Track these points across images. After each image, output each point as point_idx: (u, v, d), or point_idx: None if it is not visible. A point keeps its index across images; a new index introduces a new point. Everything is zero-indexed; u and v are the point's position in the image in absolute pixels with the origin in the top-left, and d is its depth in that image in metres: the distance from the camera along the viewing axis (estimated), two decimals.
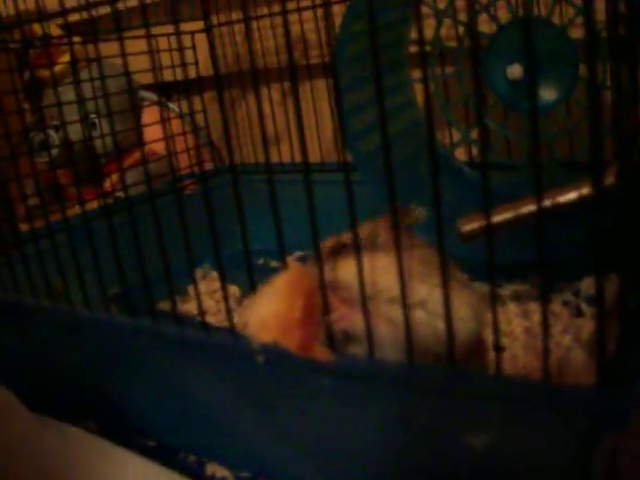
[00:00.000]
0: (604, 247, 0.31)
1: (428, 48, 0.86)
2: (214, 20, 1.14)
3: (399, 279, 0.38)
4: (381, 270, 0.45)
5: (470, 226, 0.53)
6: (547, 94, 0.76)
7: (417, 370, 0.40)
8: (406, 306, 0.38)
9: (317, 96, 1.08)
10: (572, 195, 0.50)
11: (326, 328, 0.42)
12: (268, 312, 0.42)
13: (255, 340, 0.42)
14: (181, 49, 0.56)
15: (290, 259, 0.44)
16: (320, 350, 0.41)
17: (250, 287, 0.45)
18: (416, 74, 0.93)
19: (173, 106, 1.22)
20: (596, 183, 0.30)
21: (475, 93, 0.35)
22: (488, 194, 0.34)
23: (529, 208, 0.52)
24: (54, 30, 1.16)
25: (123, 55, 0.49)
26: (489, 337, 0.55)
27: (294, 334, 0.41)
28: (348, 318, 0.45)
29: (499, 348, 0.37)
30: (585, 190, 0.50)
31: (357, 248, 0.39)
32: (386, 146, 0.36)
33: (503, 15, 0.79)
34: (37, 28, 1.10)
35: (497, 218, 0.53)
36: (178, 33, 0.67)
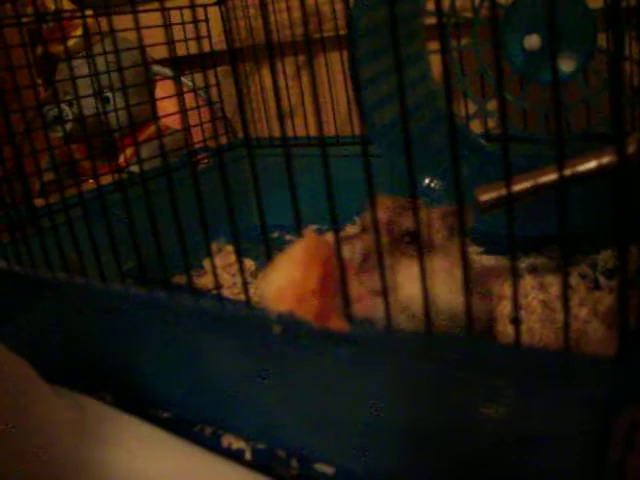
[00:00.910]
0: (626, 217, 0.30)
1: (445, 20, 0.85)
2: None
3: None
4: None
5: (488, 195, 0.52)
6: (565, 65, 0.75)
7: (434, 340, 0.40)
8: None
9: (331, 69, 1.07)
10: (592, 164, 0.49)
11: (343, 300, 0.42)
12: (284, 281, 0.42)
13: (271, 310, 0.41)
14: (196, 22, 0.55)
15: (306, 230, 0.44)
16: (336, 320, 0.40)
17: (266, 259, 0.45)
18: (431, 46, 0.92)
19: (186, 80, 1.21)
20: (619, 152, 0.30)
21: (495, 64, 0.34)
22: (509, 164, 0.33)
23: (548, 177, 0.51)
24: (66, 4, 1.15)
25: (138, 29, 0.49)
26: (506, 309, 0.55)
27: (310, 303, 0.41)
28: (371, 308, 0.45)
29: (517, 321, 0.37)
30: (605, 159, 0.49)
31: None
32: (404, 118, 0.36)
33: None
34: (49, 2, 1.09)
35: (515, 187, 0.52)
36: (192, 6, 0.66)
